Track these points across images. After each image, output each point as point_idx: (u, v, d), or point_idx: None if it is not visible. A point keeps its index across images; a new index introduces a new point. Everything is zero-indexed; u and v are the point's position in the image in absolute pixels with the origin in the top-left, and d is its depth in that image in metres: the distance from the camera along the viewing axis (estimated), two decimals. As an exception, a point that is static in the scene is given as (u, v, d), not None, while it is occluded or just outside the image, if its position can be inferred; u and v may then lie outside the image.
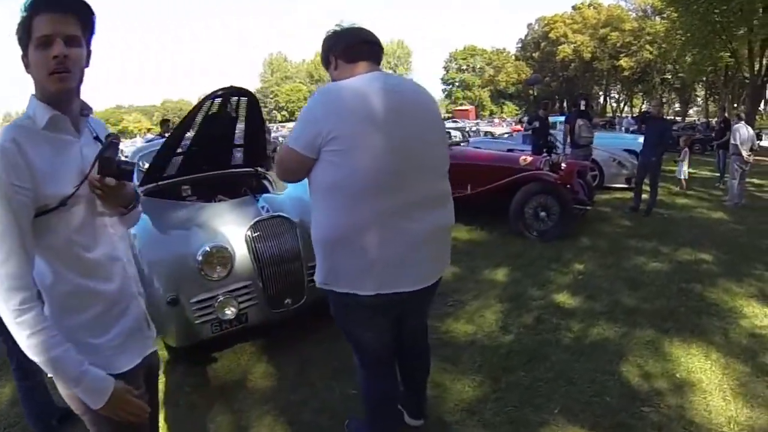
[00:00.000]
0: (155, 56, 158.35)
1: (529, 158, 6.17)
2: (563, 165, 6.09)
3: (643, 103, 53.90)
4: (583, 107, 8.15)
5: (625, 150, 10.29)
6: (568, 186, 5.79)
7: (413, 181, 1.67)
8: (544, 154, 7.61)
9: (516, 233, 5.69)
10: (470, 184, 6.10)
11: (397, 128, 1.63)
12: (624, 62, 48.17)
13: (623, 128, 28.22)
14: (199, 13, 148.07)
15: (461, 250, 5.29)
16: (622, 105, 59.83)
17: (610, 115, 49.89)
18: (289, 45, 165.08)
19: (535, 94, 12.48)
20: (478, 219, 6.26)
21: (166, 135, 7.44)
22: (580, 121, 7.79)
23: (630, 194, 7.86)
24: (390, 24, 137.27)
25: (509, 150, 9.87)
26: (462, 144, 10.82)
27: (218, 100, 3.22)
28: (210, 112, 3.29)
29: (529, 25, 63.90)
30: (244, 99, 3.34)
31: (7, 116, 63.43)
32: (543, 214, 5.55)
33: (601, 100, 61.18)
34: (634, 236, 5.85)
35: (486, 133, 24.04)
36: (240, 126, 3.64)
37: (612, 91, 60.65)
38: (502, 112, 66.38)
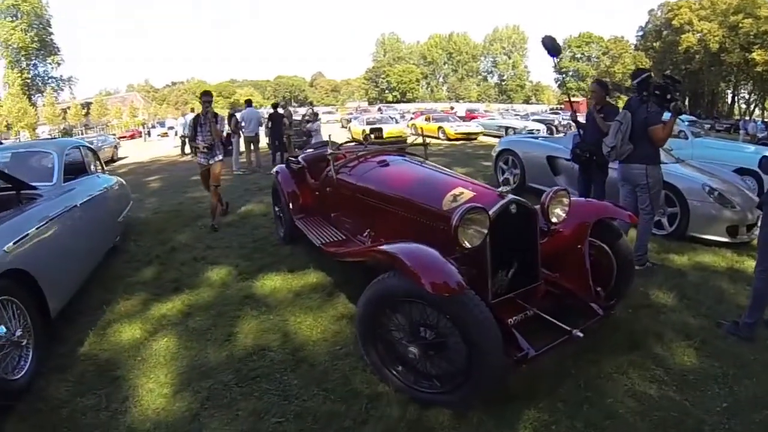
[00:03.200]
0: (270, 32, 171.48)
1: (469, 193, 2.99)
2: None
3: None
4: (636, 88, 4.33)
5: (739, 170, 6.47)
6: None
7: None
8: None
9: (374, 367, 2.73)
10: (372, 231, 3.72)
11: None
12: (758, 55, 43.69)
13: (747, 134, 22.37)
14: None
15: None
16: (752, 107, 55.49)
17: (738, 117, 46.07)
18: (403, 25, 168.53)
19: (559, 68, 7.62)
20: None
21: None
22: (618, 121, 4.36)
23: (737, 264, 4.60)
24: (506, 8, 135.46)
25: (548, 158, 7.14)
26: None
27: None
28: None
29: (651, 11, 60.94)
30: None
31: None
32: (431, 353, 2.48)
33: (729, 99, 57.56)
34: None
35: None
36: None
37: (742, 90, 56.29)
38: (615, 106, 63.77)
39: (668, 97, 4.17)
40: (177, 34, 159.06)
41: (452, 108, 39.03)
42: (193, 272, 4.68)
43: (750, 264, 4.26)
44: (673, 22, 53.20)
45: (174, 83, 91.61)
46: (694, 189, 5.29)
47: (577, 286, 3.05)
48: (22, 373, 2.89)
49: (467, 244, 2.60)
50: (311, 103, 17.03)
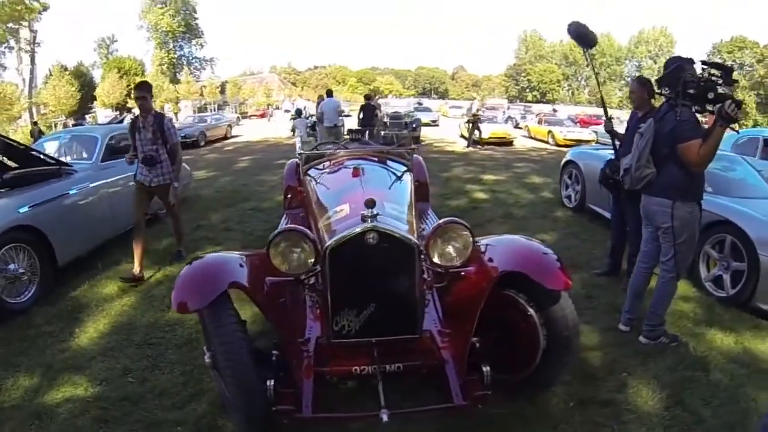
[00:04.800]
0: (414, 23, 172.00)
1: (346, 211, 2.62)
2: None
3: None
4: (658, 85, 3.32)
5: None
6: None
7: None
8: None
9: None
10: None
11: None
12: None
13: None
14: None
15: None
16: None
17: None
18: (546, 23, 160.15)
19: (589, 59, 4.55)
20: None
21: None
22: (639, 132, 3.25)
23: None
24: (655, 7, 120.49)
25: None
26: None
27: None
28: None
29: (821, 15, 50.41)
30: None
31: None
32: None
33: None
34: None
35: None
36: None
37: None
38: (768, 124, 49.14)
39: (710, 96, 2.83)
40: (323, 21, 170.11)
41: (555, 111, 37.01)
42: (194, 249, 5.44)
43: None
44: None
45: (316, 67, 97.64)
46: None
47: (454, 353, 2.36)
48: (22, 300, 3.99)
49: (282, 268, 2.37)
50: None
